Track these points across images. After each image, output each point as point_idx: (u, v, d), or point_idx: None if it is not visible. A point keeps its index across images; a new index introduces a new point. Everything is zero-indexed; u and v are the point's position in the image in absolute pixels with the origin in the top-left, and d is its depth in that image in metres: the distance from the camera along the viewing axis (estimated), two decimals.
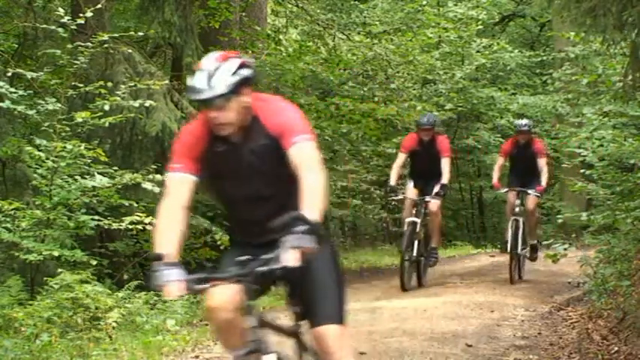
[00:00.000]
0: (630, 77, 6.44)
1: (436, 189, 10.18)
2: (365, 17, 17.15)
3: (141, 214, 8.48)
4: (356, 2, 17.71)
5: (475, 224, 21.11)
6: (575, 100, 16.71)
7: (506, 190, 11.08)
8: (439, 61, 17.22)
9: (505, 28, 23.09)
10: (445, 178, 10.20)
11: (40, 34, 10.25)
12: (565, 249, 8.34)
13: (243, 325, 3.67)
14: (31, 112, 8.48)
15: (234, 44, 13.16)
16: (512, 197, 10.87)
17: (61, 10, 9.11)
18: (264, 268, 3.47)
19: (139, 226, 8.47)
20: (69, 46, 9.10)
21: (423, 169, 10.37)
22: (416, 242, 10.21)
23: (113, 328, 7.53)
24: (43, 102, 8.56)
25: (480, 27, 18.71)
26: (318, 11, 15.82)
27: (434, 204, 10.24)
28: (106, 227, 8.56)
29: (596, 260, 8.46)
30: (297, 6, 15.36)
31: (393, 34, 15.66)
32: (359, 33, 15.95)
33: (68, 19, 8.86)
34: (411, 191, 10.41)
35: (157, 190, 8.61)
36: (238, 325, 3.72)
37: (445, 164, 10.21)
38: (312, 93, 15.34)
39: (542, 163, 10.66)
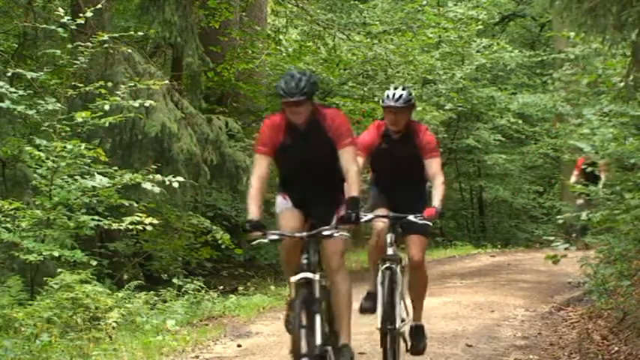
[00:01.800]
0: (631, 77, 6.43)
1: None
2: (365, 17, 17.14)
3: (141, 214, 8.48)
4: (356, 2, 17.70)
5: (475, 224, 21.07)
6: (575, 100, 16.70)
7: None
8: (439, 61, 17.21)
9: (505, 28, 23.07)
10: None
11: (40, 34, 10.25)
12: (565, 249, 8.34)
13: None
14: (31, 112, 8.48)
15: (234, 44, 13.17)
16: None
17: (61, 10, 9.11)
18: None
19: (139, 227, 8.46)
20: (69, 46, 9.11)
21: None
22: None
23: (113, 328, 7.53)
24: (43, 102, 8.56)
25: (480, 27, 18.70)
26: (318, 11, 15.81)
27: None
28: (105, 227, 8.56)
29: (596, 260, 8.46)
30: (297, 6, 15.35)
31: (393, 34, 15.66)
32: (359, 33, 15.94)
33: (68, 19, 8.86)
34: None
35: (156, 190, 8.61)
36: None
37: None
38: None
39: None
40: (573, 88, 15.88)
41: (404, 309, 6.00)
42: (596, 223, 8.48)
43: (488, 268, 12.81)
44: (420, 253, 6.17)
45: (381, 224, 6.12)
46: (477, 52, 18.87)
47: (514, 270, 12.41)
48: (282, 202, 5.49)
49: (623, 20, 5.72)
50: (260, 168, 5.33)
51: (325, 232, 5.00)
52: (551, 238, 8.79)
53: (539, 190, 20.96)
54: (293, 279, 4.95)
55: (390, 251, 5.90)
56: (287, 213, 5.40)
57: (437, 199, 5.92)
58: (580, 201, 13.21)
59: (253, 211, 5.14)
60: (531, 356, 6.85)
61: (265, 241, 5.12)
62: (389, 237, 5.98)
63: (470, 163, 20.24)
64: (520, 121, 18.98)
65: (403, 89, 6.04)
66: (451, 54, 18.35)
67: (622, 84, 7.22)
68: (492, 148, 18.67)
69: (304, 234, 5.08)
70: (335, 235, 5.02)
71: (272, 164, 5.46)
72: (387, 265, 5.90)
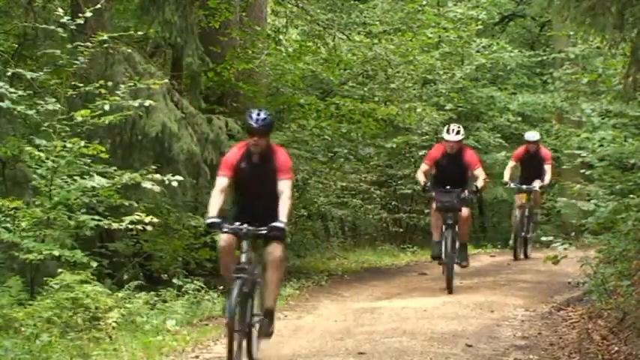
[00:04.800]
0: (631, 78, 6.44)
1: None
2: (365, 17, 17.14)
3: (141, 214, 8.48)
4: (356, 2, 17.70)
5: (475, 224, 21.04)
6: (575, 100, 16.72)
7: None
8: (439, 61, 17.20)
9: (505, 28, 23.05)
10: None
11: (40, 34, 10.23)
12: (565, 249, 8.34)
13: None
14: (31, 112, 8.48)
15: (234, 44, 13.16)
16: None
17: (61, 11, 9.10)
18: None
19: (139, 226, 8.46)
20: (69, 46, 9.10)
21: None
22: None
23: (113, 328, 7.54)
24: (42, 102, 8.56)
25: (480, 27, 18.69)
26: (318, 11, 15.81)
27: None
28: (106, 227, 8.55)
29: (596, 260, 8.46)
30: (297, 6, 15.34)
31: (393, 34, 15.64)
32: (359, 33, 15.93)
33: (68, 19, 8.85)
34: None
35: (156, 189, 8.61)
36: None
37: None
38: (312, 93, 15.32)
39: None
40: (573, 87, 15.90)
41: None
42: (597, 224, 8.49)
43: (488, 268, 12.82)
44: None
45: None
46: (477, 52, 18.87)
47: (514, 270, 12.42)
48: None
49: (623, 19, 5.72)
50: None
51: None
52: (550, 238, 8.79)
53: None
54: None
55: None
56: None
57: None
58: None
59: None
60: (531, 356, 6.85)
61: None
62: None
63: None
64: (520, 119, 18.97)
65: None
66: (451, 54, 18.35)
67: (621, 84, 7.23)
68: (492, 148, 18.66)
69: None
70: None
71: None
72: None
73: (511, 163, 13.49)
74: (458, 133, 10.32)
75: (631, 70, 6.51)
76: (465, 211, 10.25)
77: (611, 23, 5.69)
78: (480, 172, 10.34)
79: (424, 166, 10.63)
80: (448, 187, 10.27)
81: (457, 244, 10.32)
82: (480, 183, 10.27)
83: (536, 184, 13.07)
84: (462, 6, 18.83)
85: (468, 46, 18.56)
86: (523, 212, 13.23)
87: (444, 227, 10.25)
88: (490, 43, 19.40)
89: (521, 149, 13.46)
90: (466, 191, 10.23)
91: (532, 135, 13.48)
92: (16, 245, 7.92)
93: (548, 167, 13.11)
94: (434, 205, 10.42)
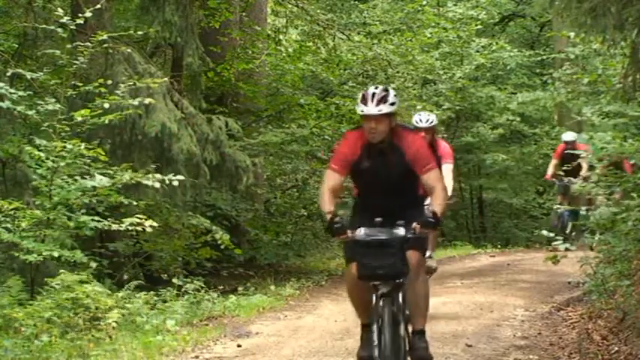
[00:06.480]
0: (630, 78, 6.44)
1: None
2: (365, 17, 17.16)
3: (141, 216, 8.48)
4: (356, 2, 17.71)
5: (475, 224, 21.07)
6: (575, 100, 16.70)
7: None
8: (439, 61, 17.21)
9: (505, 28, 23.05)
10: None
11: (40, 34, 10.23)
12: (566, 249, 8.34)
13: None
14: (30, 112, 8.47)
15: (234, 44, 13.17)
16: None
17: (61, 11, 9.10)
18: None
19: (139, 228, 8.46)
20: (69, 46, 9.10)
21: None
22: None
23: (113, 328, 7.53)
24: (42, 102, 8.55)
25: (480, 27, 18.70)
26: (318, 11, 15.80)
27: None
28: (105, 228, 8.55)
29: (596, 260, 8.45)
30: (297, 6, 15.34)
31: (393, 34, 15.66)
32: (359, 33, 15.94)
33: (68, 19, 8.85)
34: None
35: (157, 185, 8.60)
36: None
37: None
38: (312, 93, 15.33)
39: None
40: (573, 87, 15.90)
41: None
42: (597, 225, 8.48)
43: (488, 268, 12.82)
44: None
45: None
46: (477, 52, 18.87)
47: (514, 270, 12.42)
48: None
49: (623, 20, 5.71)
50: None
51: None
52: (551, 234, 8.77)
53: (539, 190, 20.95)
54: None
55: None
56: None
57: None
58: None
59: None
60: (531, 356, 6.85)
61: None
62: None
63: (470, 162, 20.24)
64: (519, 119, 18.98)
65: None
66: (451, 54, 18.36)
67: (620, 85, 7.22)
68: (491, 146, 18.68)
69: None
70: None
71: None
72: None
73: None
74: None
75: (631, 70, 6.50)
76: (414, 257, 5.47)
77: (612, 24, 5.69)
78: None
79: None
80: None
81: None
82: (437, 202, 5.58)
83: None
84: (461, 6, 18.84)
85: (468, 46, 18.57)
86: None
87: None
88: (490, 43, 19.40)
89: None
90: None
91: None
92: (16, 245, 7.91)
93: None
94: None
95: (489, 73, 20.23)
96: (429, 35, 16.08)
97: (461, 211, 20.89)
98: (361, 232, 5.31)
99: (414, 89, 16.51)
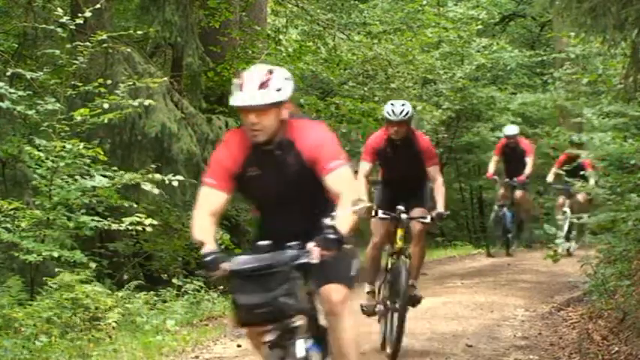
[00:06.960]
0: (631, 78, 6.43)
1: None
2: (365, 17, 17.13)
3: (141, 215, 8.48)
4: (356, 2, 17.69)
5: (475, 224, 21.05)
6: (575, 100, 16.72)
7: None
8: (439, 61, 17.20)
9: (505, 28, 23.04)
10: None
11: (40, 33, 10.24)
12: (567, 249, 8.33)
13: None
14: (30, 112, 8.47)
15: (234, 44, 13.16)
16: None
17: (60, 10, 9.10)
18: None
19: (139, 227, 8.46)
20: (68, 45, 9.10)
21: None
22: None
23: (113, 328, 7.54)
24: (42, 102, 8.55)
25: (480, 27, 18.68)
26: (318, 11, 15.79)
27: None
28: (105, 228, 8.55)
29: (596, 260, 8.45)
30: (297, 6, 15.34)
31: (393, 34, 15.65)
32: (359, 33, 15.92)
33: (68, 19, 8.85)
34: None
35: (155, 191, 8.60)
36: None
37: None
38: (312, 93, 15.32)
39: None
40: (573, 87, 15.90)
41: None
42: (597, 225, 8.48)
43: (488, 269, 12.81)
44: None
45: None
46: (477, 52, 18.86)
47: (514, 270, 12.41)
48: None
49: (623, 19, 5.71)
50: None
51: None
52: (553, 230, 8.78)
53: (539, 191, 20.94)
54: None
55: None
56: None
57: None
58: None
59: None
60: (531, 356, 6.85)
61: None
62: None
63: (470, 162, 20.24)
64: (520, 120, 18.96)
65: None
66: (451, 54, 18.34)
67: (621, 85, 7.22)
68: (492, 146, 18.66)
69: None
70: None
71: None
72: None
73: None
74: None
75: (631, 70, 6.50)
76: (335, 292, 4.31)
77: (612, 24, 5.69)
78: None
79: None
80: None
81: None
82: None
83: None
84: (462, 6, 18.82)
85: (468, 45, 18.55)
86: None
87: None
88: (490, 42, 19.39)
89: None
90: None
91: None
92: (15, 245, 7.91)
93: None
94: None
95: (490, 73, 20.22)
96: (429, 35, 16.06)
97: (461, 211, 20.89)
98: (237, 260, 3.86)
99: (414, 89, 16.50)
